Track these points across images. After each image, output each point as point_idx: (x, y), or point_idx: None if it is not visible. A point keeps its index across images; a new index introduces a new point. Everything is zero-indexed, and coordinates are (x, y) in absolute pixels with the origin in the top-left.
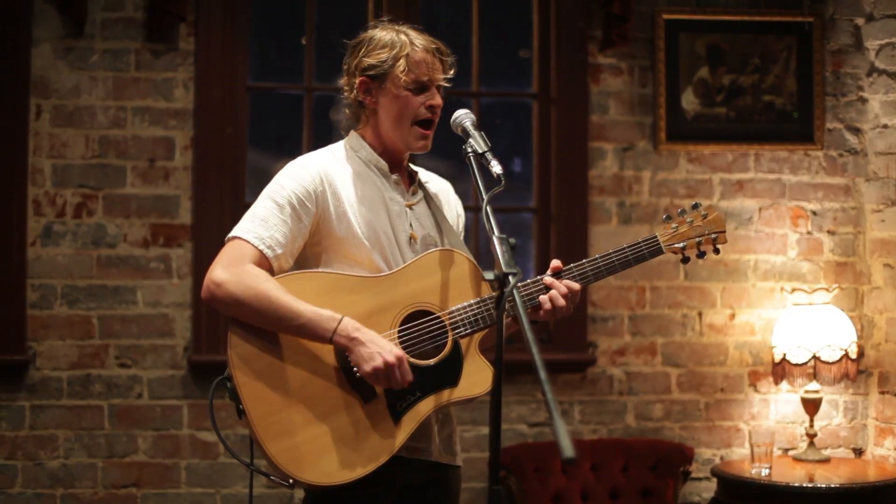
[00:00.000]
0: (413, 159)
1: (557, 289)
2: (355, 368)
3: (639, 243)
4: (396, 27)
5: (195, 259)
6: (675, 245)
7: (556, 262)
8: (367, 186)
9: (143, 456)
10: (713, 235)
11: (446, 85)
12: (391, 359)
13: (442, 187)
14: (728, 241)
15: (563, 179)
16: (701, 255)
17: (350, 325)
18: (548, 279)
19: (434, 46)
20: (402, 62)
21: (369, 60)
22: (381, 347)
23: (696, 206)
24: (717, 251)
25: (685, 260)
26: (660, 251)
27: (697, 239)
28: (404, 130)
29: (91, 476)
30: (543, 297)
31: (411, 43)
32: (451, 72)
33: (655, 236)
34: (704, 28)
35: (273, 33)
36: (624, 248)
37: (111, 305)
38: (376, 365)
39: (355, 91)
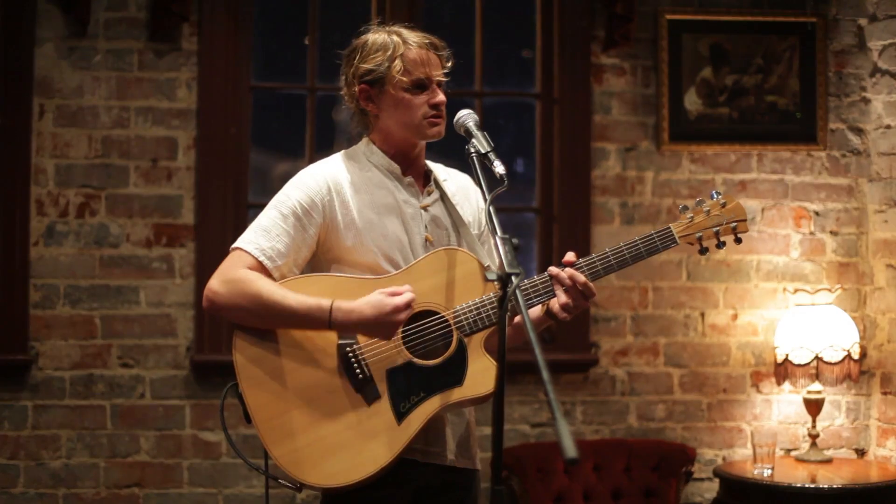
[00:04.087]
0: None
1: (561, 280)
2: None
3: (651, 235)
4: (388, 28)
5: (198, 259)
6: (691, 235)
7: (569, 255)
8: (380, 192)
9: (145, 456)
10: (733, 224)
11: (445, 80)
12: (400, 313)
13: (462, 183)
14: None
15: (565, 180)
16: (721, 244)
17: (344, 307)
18: (553, 269)
19: (427, 42)
20: (397, 63)
21: (365, 66)
22: (385, 317)
23: (714, 195)
24: (738, 240)
25: (703, 251)
26: (673, 241)
27: (716, 228)
28: (414, 128)
29: (93, 476)
30: (552, 301)
31: (404, 42)
32: (449, 64)
33: (669, 227)
34: (707, 28)
35: (276, 33)
36: (636, 241)
37: (114, 305)
38: (398, 328)
39: (356, 100)
